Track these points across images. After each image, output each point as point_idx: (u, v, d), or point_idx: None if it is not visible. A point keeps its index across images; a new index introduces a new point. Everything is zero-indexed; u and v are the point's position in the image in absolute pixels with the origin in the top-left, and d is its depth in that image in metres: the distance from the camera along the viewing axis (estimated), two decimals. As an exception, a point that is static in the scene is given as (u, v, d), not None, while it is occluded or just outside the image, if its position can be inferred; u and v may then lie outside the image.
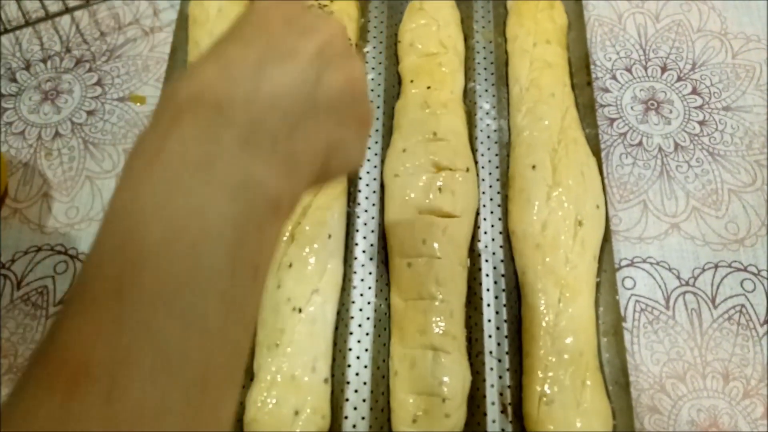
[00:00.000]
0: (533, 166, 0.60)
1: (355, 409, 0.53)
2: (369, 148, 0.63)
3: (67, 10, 0.69)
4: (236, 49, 0.30)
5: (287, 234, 0.57)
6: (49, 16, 0.69)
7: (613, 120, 0.67)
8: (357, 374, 0.54)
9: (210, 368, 0.25)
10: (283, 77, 0.30)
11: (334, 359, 0.55)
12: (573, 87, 0.66)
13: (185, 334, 0.24)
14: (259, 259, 0.28)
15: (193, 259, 0.25)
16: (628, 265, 0.60)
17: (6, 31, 0.67)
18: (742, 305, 0.58)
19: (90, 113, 0.68)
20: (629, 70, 0.70)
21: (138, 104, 0.69)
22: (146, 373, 0.23)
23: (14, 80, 0.70)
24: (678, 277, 0.59)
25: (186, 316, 0.24)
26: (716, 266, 0.60)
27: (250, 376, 0.54)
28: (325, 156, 0.32)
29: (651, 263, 0.60)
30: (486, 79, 0.66)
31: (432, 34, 0.67)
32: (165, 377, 0.24)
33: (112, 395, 0.22)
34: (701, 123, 0.67)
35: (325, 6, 0.68)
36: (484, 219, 0.60)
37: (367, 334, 0.55)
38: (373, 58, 0.68)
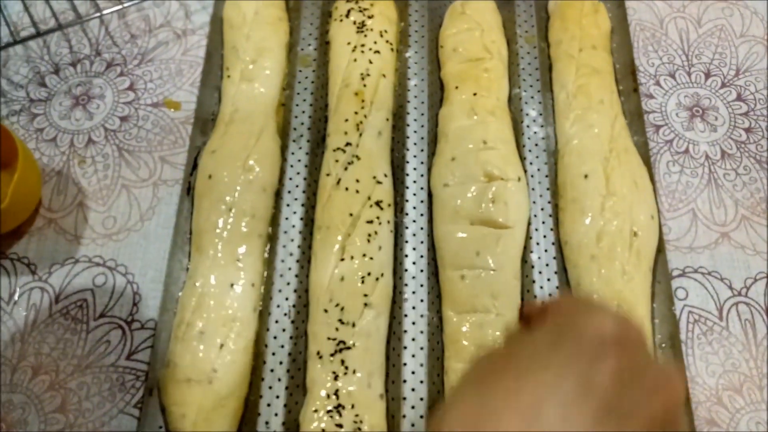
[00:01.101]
0: (585, 176, 0.59)
1: (413, 425, 0.52)
2: (415, 156, 0.62)
3: (100, 13, 0.67)
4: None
5: (337, 246, 0.56)
6: (80, 20, 0.66)
7: (658, 127, 0.66)
8: (413, 390, 0.53)
9: None
10: None
11: (387, 374, 0.54)
12: (619, 93, 0.65)
13: None
14: None
15: None
16: (679, 276, 0.59)
17: (38, 34, 0.65)
18: (796, 316, 0.58)
19: (123, 119, 0.66)
20: (673, 76, 0.69)
21: (173, 110, 0.67)
22: None
23: (44, 85, 0.68)
24: (730, 287, 0.59)
25: None
26: (768, 276, 0.59)
27: (303, 390, 0.53)
28: None
29: (702, 273, 0.59)
30: (531, 86, 0.65)
31: (475, 39, 0.66)
32: None
33: None
34: (747, 130, 0.66)
35: (365, 10, 0.67)
36: (536, 230, 0.59)
37: (422, 348, 0.54)
38: (415, 63, 0.67)
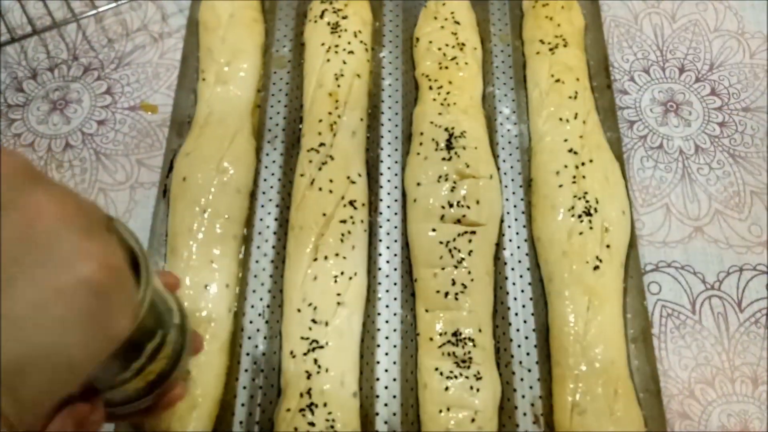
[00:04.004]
0: (557, 172, 0.59)
1: (386, 423, 0.52)
2: (389, 155, 0.62)
3: (76, 18, 0.67)
4: None
5: (311, 246, 0.56)
6: (57, 24, 0.67)
7: (632, 123, 0.66)
8: (386, 387, 0.53)
9: None
10: None
11: (361, 373, 0.54)
12: (592, 90, 0.65)
13: None
14: None
15: None
16: (653, 270, 0.60)
17: (13, 40, 0.66)
18: (768, 308, 0.58)
19: (100, 123, 0.67)
20: (647, 72, 0.69)
21: (149, 113, 0.67)
22: None
23: (21, 90, 0.68)
24: (703, 281, 0.59)
25: None
26: (741, 269, 0.60)
27: (277, 390, 0.53)
28: None
29: (676, 267, 0.60)
30: (505, 83, 0.66)
31: (449, 38, 0.66)
32: None
33: None
34: (721, 124, 0.66)
35: (339, 10, 0.67)
36: (509, 226, 0.59)
37: (395, 346, 0.55)
38: (390, 63, 0.67)
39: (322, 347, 0.53)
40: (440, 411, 0.51)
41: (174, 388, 0.42)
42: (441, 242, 0.56)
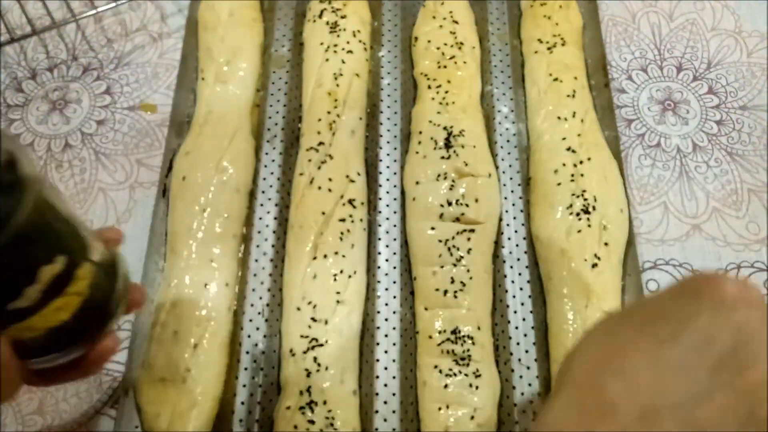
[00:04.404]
0: (555, 171, 0.59)
1: (385, 420, 0.52)
2: (388, 154, 0.63)
3: (76, 18, 0.67)
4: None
5: (310, 245, 0.56)
6: (56, 25, 0.67)
7: (630, 121, 0.67)
8: (385, 385, 0.53)
9: None
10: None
11: (361, 370, 0.54)
12: (590, 89, 0.66)
13: None
14: None
15: None
16: (651, 268, 0.60)
17: (13, 40, 0.66)
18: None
19: (100, 123, 0.67)
20: (645, 71, 0.69)
21: (149, 113, 0.67)
22: None
23: (20, 90, 0.68)
24: (701, 279, 0.59)
25: None
26: (739, 267, 0.60)
27: (277, 388, 0.54)
28: None
29: (674, 265, 0.60)
30: (503, 82, 0.66)
31: (448, 37, 0.66)
32: None
33: None
34: (718, 123, 0.67)
35: (338, 10, 0.67)
36: (507, 225, 0.59)
37: (394, 344, 0.55)
38: (389, 62, 0.67)
39: (321, 345, 0.53)
40: (439, 408, 0.52)
41: (103, 340, 0.38)
42: (440, 240, 0.57)
